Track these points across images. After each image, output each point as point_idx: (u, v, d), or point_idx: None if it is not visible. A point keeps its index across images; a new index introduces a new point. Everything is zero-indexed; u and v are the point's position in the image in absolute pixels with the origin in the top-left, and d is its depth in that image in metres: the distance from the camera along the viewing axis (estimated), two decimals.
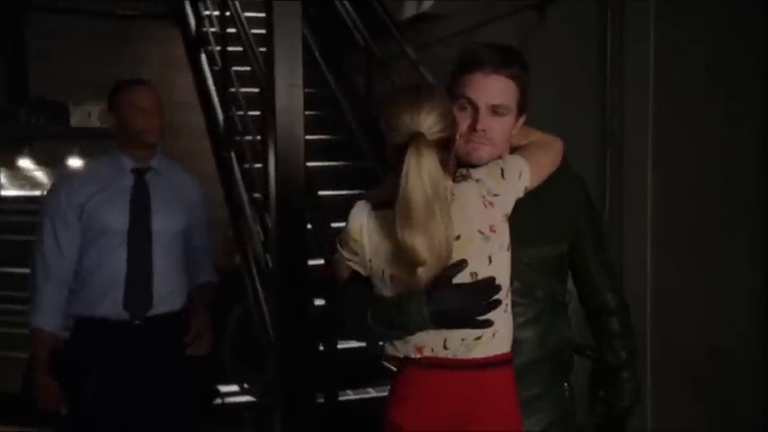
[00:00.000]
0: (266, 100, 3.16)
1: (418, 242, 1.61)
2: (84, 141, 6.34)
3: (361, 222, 1.76)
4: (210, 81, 5.59)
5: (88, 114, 6.89)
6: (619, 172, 3.24)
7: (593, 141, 3.33)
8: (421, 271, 1.65)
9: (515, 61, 1.81)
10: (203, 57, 5.78)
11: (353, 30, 5.32)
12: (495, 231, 1.70)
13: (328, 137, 5.44)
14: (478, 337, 1.70)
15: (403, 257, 1.65)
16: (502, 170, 1.75)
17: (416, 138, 1.63)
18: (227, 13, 5.05)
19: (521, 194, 1.77)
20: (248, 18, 5.13)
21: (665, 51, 3.10)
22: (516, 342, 1.80)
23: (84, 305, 2.80)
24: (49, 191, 2.98)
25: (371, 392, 3.80)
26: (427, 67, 4.56)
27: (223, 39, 5.10)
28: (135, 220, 2.82)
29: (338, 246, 1.82)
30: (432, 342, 1.72)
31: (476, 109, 1.77)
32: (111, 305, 2.77)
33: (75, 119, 6.88)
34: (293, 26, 3.13)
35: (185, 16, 6.13)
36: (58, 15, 7.19)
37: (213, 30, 5.61)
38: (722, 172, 2.89)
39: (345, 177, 4.90)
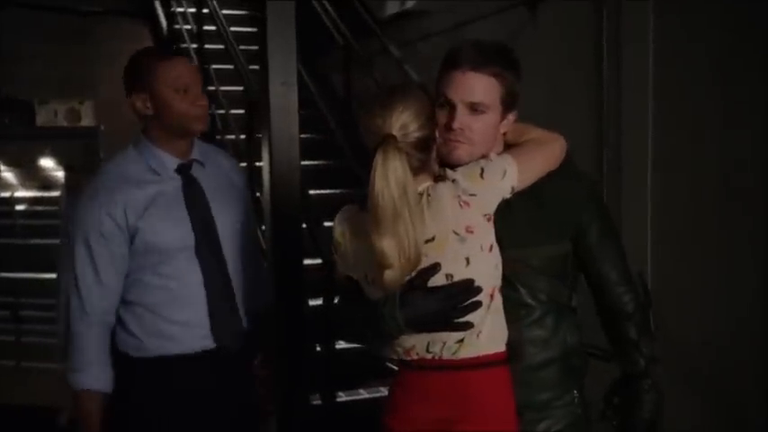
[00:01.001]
0: (260, 98, 3.08)
1: (386, 245, 1.60)
2: (52, 141, 6.14)
3: (343, 227, 1.77)
4: None
5: (54, 113, 6.67)
6: (617, 172, 3.22)
7: (589, 142, 3.32)
8: (389, 274, 1.62)
9: (498, 59, 1.77)
10: None
11: (332, 28, 5.26)
12: (472, 232, 1.67)
13: (307, 136, 5.36)
14: (460, 340, 1.68)
15: (374, 260, 1.64)
16: (482, 170, 1.71)
17: (385, 140, 1.61)
18: (205, 11, 4.95)
19: (507, 195, 1.72)
20: (225, 16, 5.05)
21: (665, 51, 3.10)
22: (519, 345, 1.77)
23: (155, 346, 2.18)
24: (80, 207, 2.22)
25: (364, 394, 3.76)
26: (411, 66, 4.53)
27: (199, 36, 5.00)
28: (199, 229, 2.23)
29: (332, 250, 1.82)
30: (416, 345, 1.71)
31: (453, 107, 1.74)
32: (194, 338, 2.20)
33: (41, 118, 6.66)
34: (287, 24, 3.08)
35: (155, 13, 6.01)
36: (20, 11, 6.99)
37: (187, 27, 5.50)
38: (723, 171, 2.90)
39: (325, 176, 4.84)
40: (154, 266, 2.18)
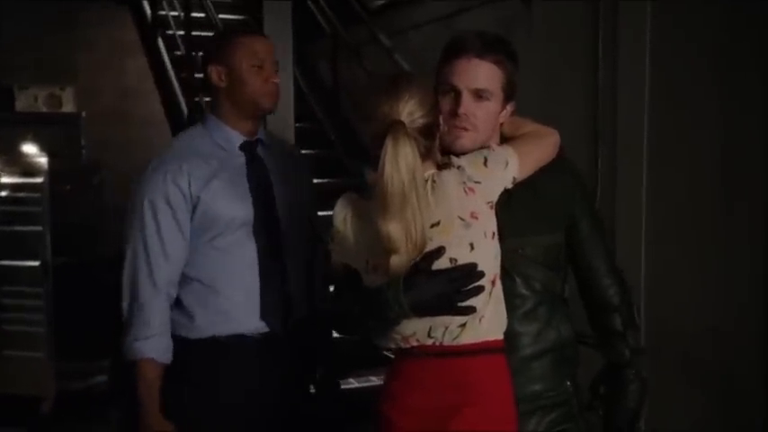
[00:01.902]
0: None
1: (393, 229, 1.61)
2: (33, 127, 6.07)
3: (345, 213, 1.77)
4: (170, 67, 5.43)
5: (35, 99, 6.61)
6: (612, 168, 3.23)
7: (584, 139, 3.32)
8: (395, 259, 1.63)
9: (500, 48, 1.81)
10: (161, 42, 5.61)
11: (319, 15, 5.24)
12: (477, 218, 1.69)
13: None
14: (462, 324, 1.69)
15: (381, 245, 1.65)
16: (485, 158, 1.74)
17: (394, 126, 1.63)
18: None
19: (508, 185, 1.76)
20: (212, 2, 5.01)
21: (661, 48, 3.10)
22: (513, 335, 1.79)
23: (209, 323, 2.19)
24: (145, 174, 2.21)
25: (354, 383, 3.78)
26: (400, 55, 4.53)
27: (187, 23, 4.95)
28: (259, 208, 2.22)
29: (329, 239, 1.81)
30: (417, 331, 1.71)
31: (458, 94, 1.77)
32: (247, 316, 2.20)
33: (21, 103, 6.59)
34: (283, 12, 3.10)
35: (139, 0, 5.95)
36: None
37: (174, 14, 5.45)
38: (720, 168, 2.92)
39: (313, 165, 4.81)
40: (212, 239, 2.18)
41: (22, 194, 5.29)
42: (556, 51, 3.55)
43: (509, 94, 1.82)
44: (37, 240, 5.12)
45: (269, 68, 2.22)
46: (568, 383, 1.88)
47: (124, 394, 4.62)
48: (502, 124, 1.87)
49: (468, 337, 1.70)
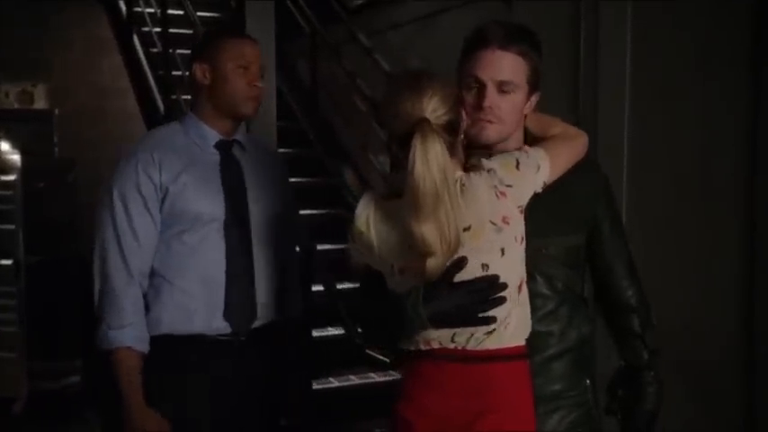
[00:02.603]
0: None
1: (427, 231, 1.57)
2: (3, 123, 5.99)
3: (368, 214, 1.70)
4: (146, 64, 5.38)
5: (6, 95, 6.53)
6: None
7: None
8: (431, 261, 1.60)
9: (524, 38, 1.77)
10: (136, 39, 5.56)
11: (298, 15, 5.22)
12: (508, 223, 1.66)
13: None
14: (490, 331, 1.67)
15: (413, 248, 1.60)
16: (518, 161, 1.70)
17: (421, 124, 1.59)
18: None
19: (539, 189, 1.73)
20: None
21: (642, 47, 3.13)
22: (536, 336, 1.76)
23: (169, 319, 2.15)
24: (118, 166, 2.19)
25: (334, 382, 3.77)
26: (380, 55, 4.53)
27: (164, 20, 4.90)
28: (231, 206, 2.19)
29: (349, 239, 1.75)
30: (441, 335, 1.68)
31: (483, 86, 1.74)
32: (208, 316, 2.15)
33: None
34: (266, 13, 3.09)
35: None
36: None
37: (150, 11, 5.40)
38: (701, 167, 2.95)
39: (292, 164, 4.81)
40: (179, 234, 2.15)
41: None
42: None
43: (534, 84, 1.79)
44: (10, 239, 5.05)
45: (254, 72, 2.20)
46: (588, 382, 1.87)
47: (98, 394, 4.60)
48: (526, 116, 1.84)
49: (492, 343, 1.68)
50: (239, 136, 2.29)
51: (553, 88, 3.50)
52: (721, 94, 2.89)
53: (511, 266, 1.68)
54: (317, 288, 3.59)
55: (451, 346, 1.68)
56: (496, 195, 1.66)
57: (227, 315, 2.15)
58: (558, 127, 1.89)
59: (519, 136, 1.84)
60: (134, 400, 2.10)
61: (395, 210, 1.66)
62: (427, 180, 1.56)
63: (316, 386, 3.66)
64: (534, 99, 1.82)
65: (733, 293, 2.87)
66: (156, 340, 2.14)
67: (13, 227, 5.07)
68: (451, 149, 1.64)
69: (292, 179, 3.70)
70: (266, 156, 2.43)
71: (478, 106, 1.73)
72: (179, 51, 4.75)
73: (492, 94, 1.73)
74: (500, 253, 1.66)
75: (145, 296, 2.16)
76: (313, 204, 4.52)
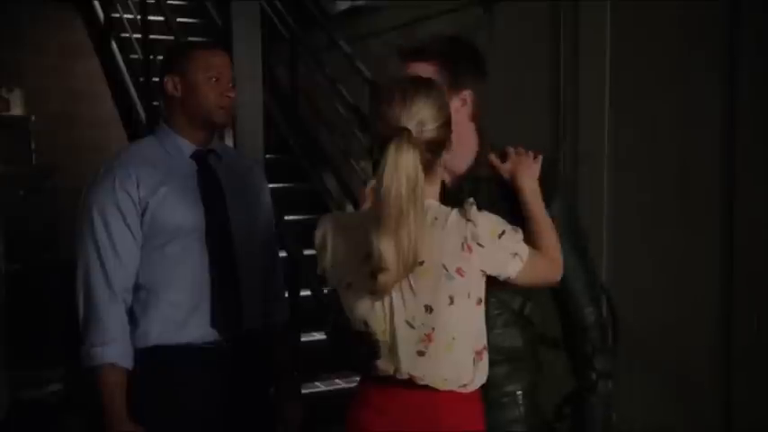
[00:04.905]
0: None
1: (386, 246, 1.52)
2: None
3: (325, 229, 1.69)
4: (125, 70, 5.37)
5: None
6: (573, 170, 3.33)
7: (546, 141, 3.41)
8: (383, 277, 1.54)
9: (435, 46, 1.81)
10: (114, 44, 5.54)
11: (276, 20, 5.24)
12: (462, 275, 1.59)
13: None
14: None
15: (367, 263, 1.56)
16: (503, 231, 1.62)
17: (400, 133, 1.53)
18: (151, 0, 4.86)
19: (503, 276, 1.64)
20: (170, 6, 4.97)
21: (622, 50, 3.21)
22: None
23: (157, 331, 2.16)
24: (94, 181, 2.19)
25: (320, 386, 3.83)
26: (360, 62, 4.55)
27: (144, 26, 4.90)
28: (211, 215, 2.21)
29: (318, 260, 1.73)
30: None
31: None
32: (197, 325, 2.17)
33: None
34: (252, 21, 3.11)
35: (88, 1, 5.85)
36: None
37: (128, 16, 5.39)
38: (680, 168, 3.04)
39: (271, 170, 4.82)
40: (161, 246, 2.16)
41: None
42: (518, 54, 3.64)
43: (456, 86, 1.78)
44: None
45: (225, 82, 2.22)
46: (518, 393, 1.86)
47: (83, 406, 4.57)
48: (475, 116, 1.84)
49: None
50: (216, 145, 2.31)
51: (534, 88, 3.58)
52: (697, 97, 2.97)
53: (462, 322, 1.62)
54: (304, 293, 3.63)
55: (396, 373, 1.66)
56: (462, 247, 1.58)
57: (214, 323, 2.17)
58: (546, 239, 1.73)
59: (466, 141, 1.82)
60: (116, 416, 2.11)
61: (356, 222, 1.65)
62: (393, 192, 1.50)
63: (303, 391, 3.69)
64: (465, 97, 1.81)
65: (712, 295, 2.94)
66: (144, 353, 2.15)
67: None
68: (428, 169, 1.58)
69: (275, 185, 3.73)
70: (243, 163, 2.46)
71: None
72: (159, 57, 4.73)
73: None
74: (448, 301, 1.60)
75: (130, 311, 2.17)
76: (297, 210, 4.56)
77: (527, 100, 3.60)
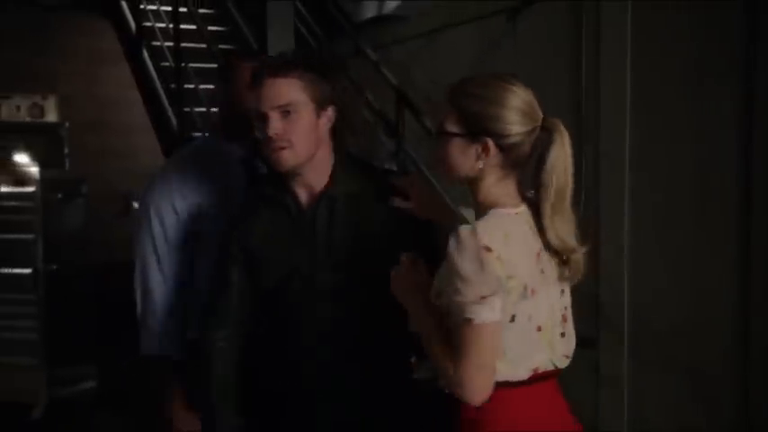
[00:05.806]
0: None
1: (563, 226, 1.60)
2: (17, 136, 6.09)
3: (505, 231, 1.56)
4: (156, 77, 5.51)
5: (17, 108, 6.63)
6: (595, 171, 3.39)
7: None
8: (575, 257, 1.62)
9: (297, 62, 1.85)
10: (146, 53, 5.69)
11: (303, 29, 5.34)
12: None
13: None
14: None
15: (544, 256, 1.59)
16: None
17: (555, 123, 1.64)
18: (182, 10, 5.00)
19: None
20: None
21: (642, 53, 3.25)
22: None
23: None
24: (154, 186, 2.33)
25: None
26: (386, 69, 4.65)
27: (176, 34, 5.04)
28: None
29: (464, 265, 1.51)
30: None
31: (266, 117, 1.81)
32: None
33: (4, 113, 6.60)
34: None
35: (119, 10, 5.99)
36: None
37: (160, 25, 5.53)
38: (699, 169, 3.08)
39: None
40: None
41: (13, 203, 5.34)
42: (540, 60, 3.70)
43: (321, 101, 1.84)
44: (29, 248, 5.17)
45: None
46: None
47: (117, 403, 4.67)
48: (334, 130, 1.89)
49: None
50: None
51: (557, 93, 3.62)
52: (715, 100, 3.00)
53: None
54: None
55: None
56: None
57: None
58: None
59: (322, 155, 1.87)
60: (174, 404, 2.25)
61: (517, 221, 1.61)
62: (561, 177, 1.60)
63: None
64: (331, 113, 1.87)
65: (729, 294, 2.98)
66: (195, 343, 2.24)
67: (32, 236, 5.20)
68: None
69: None
70: None
71: (267, 136, 1.80)
72: (191, 65, 4.88)
73: (274, 122, 1.79)
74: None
75: (185, 305, 2.28)
76: None
77: (549, 102, 3.66)
